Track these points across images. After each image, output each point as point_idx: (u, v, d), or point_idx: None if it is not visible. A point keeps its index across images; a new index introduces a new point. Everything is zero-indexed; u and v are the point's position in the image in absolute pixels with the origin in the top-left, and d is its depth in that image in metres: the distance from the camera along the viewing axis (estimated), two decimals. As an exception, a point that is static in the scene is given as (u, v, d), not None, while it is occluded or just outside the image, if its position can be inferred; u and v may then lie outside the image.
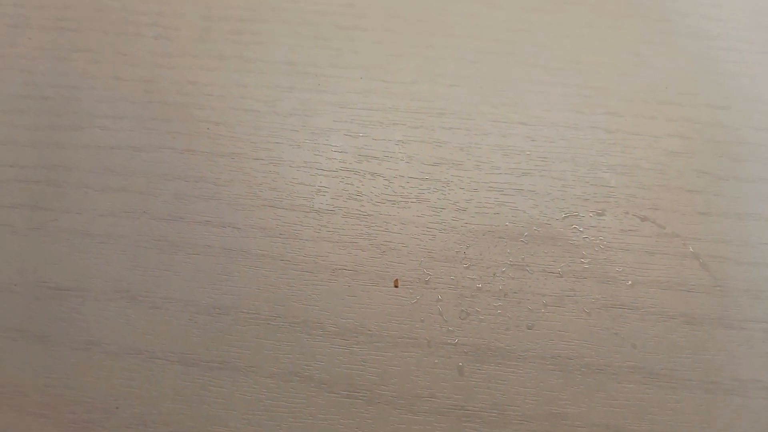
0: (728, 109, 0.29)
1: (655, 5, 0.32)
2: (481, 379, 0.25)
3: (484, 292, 0.27)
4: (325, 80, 0.30)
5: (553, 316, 0.26)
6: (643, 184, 0.28)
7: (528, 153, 0.29)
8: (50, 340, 0.26)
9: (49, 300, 0.27)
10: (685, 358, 0.26)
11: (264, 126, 0.29)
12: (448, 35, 0.31)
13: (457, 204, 0.28)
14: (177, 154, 0.29)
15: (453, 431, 0.25)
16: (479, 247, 0.27)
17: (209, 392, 0.25)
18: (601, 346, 0.26)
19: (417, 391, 0.25)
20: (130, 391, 0.25)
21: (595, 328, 0.26)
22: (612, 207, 0.28)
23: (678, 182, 0.28)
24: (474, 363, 0.26)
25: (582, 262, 0.27)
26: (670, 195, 0.28)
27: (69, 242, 0.27)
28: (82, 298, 0.27)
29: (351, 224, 0.27)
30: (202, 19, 0.32)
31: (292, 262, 0.27)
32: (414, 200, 0.28)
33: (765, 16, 0.32)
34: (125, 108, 0.30)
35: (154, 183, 0.28)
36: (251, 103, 0.29)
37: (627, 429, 0.25)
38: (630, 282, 0.27)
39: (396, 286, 0.27)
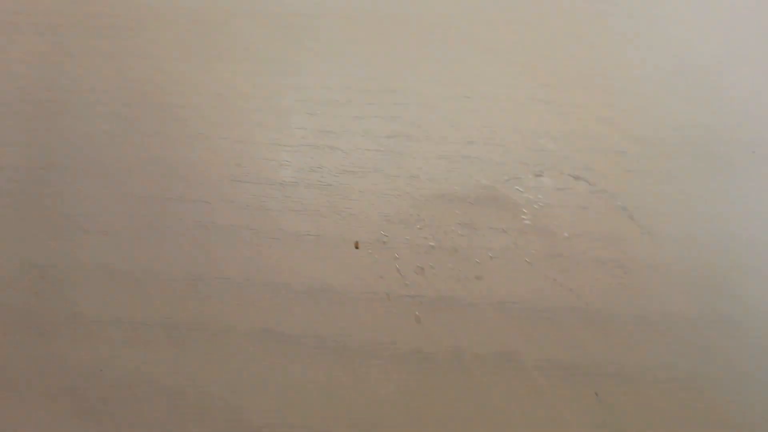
0: (651, 79, 0.32)
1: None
2: (436, 325, 0.28)
3: (437, 249, 0.29)
4: (285, 65, 0.33)
5: (499, 267, 0.29)
6: (576, 148, 0.31)
7: (473, 124, 0.31)
8: (36, 313, 0.28)
9: (34, 277, 0.29)
10: (616, 297, 0.29)
11: (228, 108, 0.31)
12: (399, 21, 0.34)
13: (410, 172, 0.30)
14: (148, 137, 0.31)
15: (413, 373, 0.27)
16: (431, 210, 0.30)
17: (189, 351, 0.28)
18: (542, 292, 0.29)
19: (379, 340, 0.28)
20: (114, 355, 0.28)
21: (537, 275, 0.29)
22: (549, 169, 0.31)
23: (607, 145, 0.31)
24: (430, 312, 0.28)
25: (523, 219, 0.30)
26: (600, 156, 0.31)
27: (48, 222, 0.29)
28: (64, 274, 0.29)
29: (313, 194, 0.30)
30: (168, 12, 0.34)
31: (259, 231, 0.29)
32: (370, 170, 0.30)
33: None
34: (97, 97, 0.32)
35: (129, 165, 0.30)
36: (217, 87, 0.32)
37: (568, 361, 0.28)
38: (566, 234, 0.30)
39: (357, 248, 0.29)
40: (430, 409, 0.27)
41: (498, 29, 0.34)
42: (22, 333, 0.28)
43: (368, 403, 0.27)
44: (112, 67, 0.32)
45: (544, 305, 0.28)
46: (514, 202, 0.30)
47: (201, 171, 0.30)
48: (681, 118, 0.32)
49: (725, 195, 0.30)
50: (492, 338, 0.28)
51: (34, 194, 0.30)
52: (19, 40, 0.33)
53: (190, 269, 0.29)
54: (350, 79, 0.32)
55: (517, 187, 0.30)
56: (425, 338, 0.28)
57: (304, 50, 0.33)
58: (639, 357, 0.28)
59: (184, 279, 0.28)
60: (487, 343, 0.28)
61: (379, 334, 0.28)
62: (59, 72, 0.32)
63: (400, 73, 0.33)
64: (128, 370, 0.27)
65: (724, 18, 0.33)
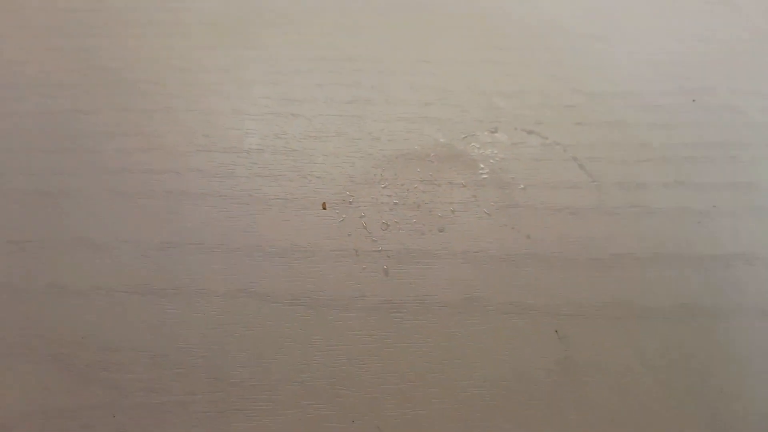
0: (603, 38, 0.34)
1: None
2: (403, 277, 0.30)
3: (401, 205, 0.31)
4: (247, 37, 0.34)
5: (460, 219, 0.31)
6: (528, 105, 0.33)
7: (430, 87, 0.33)
8: (16, 286, 0.29)
9: (13, 253, 0.29)
10: (571, 242, 0.30)
11: (193, 82, 0.32)
12: (352, -9, 0.35)
13: (372, 134, 0.32)
14: (116, 113, 0.32)
15: (383, 322, 0.29)
16: (393, 169, 0.31)
17: (167, 316, 0.29)
18: (501, 240, 0.30)
19: (349, 293, 0.29)
20: (95, 324, 0.29)
21: (496, 225, 0.31)
22: (503, 125, 0.32)
23: (557, 100, 0.33)
24: (397, 264, 0.30)
25: (481, 173, 0.31)
26: (551, 111, 0.33)
27: (26, 201, 0.30)
28: (46, 248, 0.30)
29: (279, 160, 0.31)
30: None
31: (229, 198, 0.31)
32: (333, 134, 0.32)
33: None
34: (66, 76, 0.32)
35: (99, 141, 0.31)
36: (180, 62, 0.33)
37: (528, 303, 0.30)
38: (522, 186, 0.31)
39: (324, 209, 0.31)
40: (401, 355, 0.29)
41: (450, -5, 0.35)
42: (4, 305, 0.29)
43: (342, 354, 0.29)
44: (75, 45, 0.33)
45: (504, 253, 0.30)
46: (471, 157, 0.32)
47: (169, 143, 0.31)
48: (624, 72, 0.34)
49: (667, 142, 0.32)
50: (456, 286, 0.30)
51: (6, 173, 0.31)
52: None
53: (163, 237, 0.30)
54: (311, 48, 0.33)
55: (474, 144, 0.32)
56: (393, 290, 0.29)
57: (264, 22, 0.34)
58: (594, 296, 0.30)
59: (158, 247, 0.30)
60: (452, 290, 0.30)
61: (350, 288, 0.29)
62: (21, 48, 0.33)
63: (359, 41, 0.34)
64: (110, 336, 0.28)
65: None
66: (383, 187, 0.31)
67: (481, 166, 0.31)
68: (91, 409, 0.28)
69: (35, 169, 0.31)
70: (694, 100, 0.33)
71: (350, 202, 0.31)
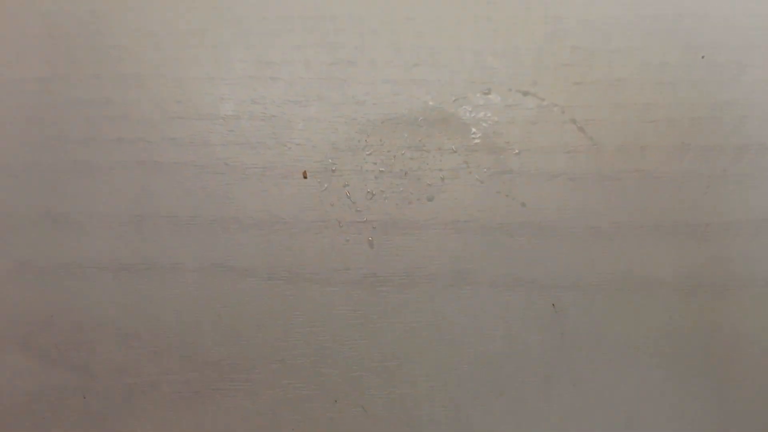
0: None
1: None
2: (389, 249, 0.28)
3: (387, 173, 0.29)
4: (220, -2, 0.31)
5: (451, 187, 0.29)
6: (522, 64, 0.30)
7: (417, 46, 0.31)
8: (-21, 263, 0.27)
9: (-26, 227, 0.28)
10: (569, 210, 0.29)
11: (164, 46, 0.30)
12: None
13: (356, 98, 0.30)
14: (83, 81, 0.30)
15: (368, 296, 0.27)
16: (379, 135, 0.29)
17: (140, 292, 0.27)
18: (494, 209, 0.28)
19: (332, 266, 0.28)
20: (64, 303, 0.27)
21: (488, 193, 0.29)
22: (496, 86, 0.30)
23: (554, 59, 0.30)
24: (382, 236, 0.28)
25: (473, 138, 0.29)
26: (547, 71, 0.30)
27: (-13, 173, 0.29)
28: (8, 225, 0.28)
29: (256, 126, 0.29)
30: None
31: (204, 167, 0.29)
32: (314, 99, 0.30)
33: None
34: (29, 43, 0.30)
35: (65, 110, 0.29)
36: (149, 26, 0.31)
37: (522, 275, 0.28)
38: (517, 151, 0.29)
39: (305, 178, 0.29)
40: (386, 331, 0.27)
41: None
42: (-36, 283, 0.27)
43: (324, 331, 0.27)
44: (37, 11, 0.31)
45: (497, 222, 0.28)
46: (462, 121, 0.30)
47: (140, 111, 0.29)
48: (627, 27, 0.31)
49: (673, 102, 0.30)
50: (446, 258, 0.28)
51: (-33, 145, 0.29)
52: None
53: (134, 210, 0.28)
54: (288, 7, 0.31)
55: (465, 107, 0.30)
56: (379, 262, 0.28)
57: (239, -19, 0.32)
58: (593, 267, 0.28)
59: (129, 220, 0.28)
60: (441, 263, 0.28)
61: (332, 261, 0.28)
62: (-18, 16, 0.31)
63: None
64: (79, 315, 0.27)
65: None
66: (368, 154, 0.29)
67: (473, 130, 0.29)
68: (60, 391, 0.26)
69: (-4, 139, 0.29)
70: (703, 57, 0.30)
71: (333, 171, 0.29)
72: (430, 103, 0.30)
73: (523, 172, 0.29)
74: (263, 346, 0.27)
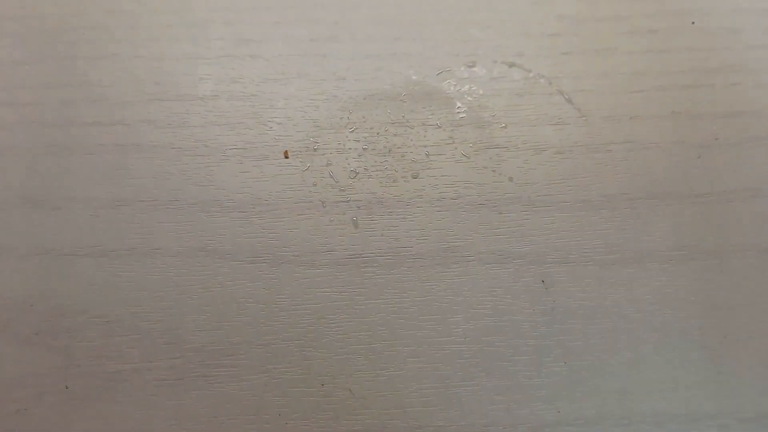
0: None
1: None
2: (374, 228, 0.27)
3: (370, 151, 0.28)
4: (196, -25, 0.31)
5: (436, 163, 0.28)
6: (507, 35, 0.30)
7: (398, 19, 0.30)
8: (-44, 252, 0.27)
9: (-51, 215, 0.27)
10: (558, 183, 0.28)
11: (140, 25, 0.30)
12: None
13: (337, 74, 0.29)
14: (58, 62, 0.29)
15: (353, 276, 0.27)
16: (362, 112, 0.29)
17: (120, 278, 0.27)
18: (481, 184, 0.28)
19: (316, 248, 0.27)
20: (43, 289, 0.26)
21: (475, 168, 0.28)
22: (481, 58, 0.29)
23: (540, 29, 0.30)
24: (367, 215, 0.27)
25: (458, 112, 0.29)
26: (533, 41, 0.29)
27: (-39, 160, 0.28)
28: (-18, 210, 0.27)
29: (236, 106, 0.28)
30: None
31: (183, 149, 0.28)
32: (295, 76, 0.29)
33: None
34: (2, 26, 0.30)
35: (40, 93, 0.29)
36: (125, 4, 0.30)
37: (511, 251, 0.27)
38: (503, 124, 0.29)
39: (286, 157, 0.28)
40: (372, 312, 0.27)
41: None
42: (-60, 273, 0.27)
43: (309, 313, 0.26)
44: (9, -9, 0.30)
45: (484, 198, 0.28)
46: (447, 95, 0.29)
47: (117, 93, 0.29)
48: (617, -4, 0.30)
49: (663, 69, 0.29)
50: (432, 235, 0.27)
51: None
52: None
53: (113, 194, 0.27)
54: (266, -17, 0.30)
55: (449, 81, 0.29)
56: (364, 242, 0.27)
57: (215, -43, 0.31)
58: (583, 241, 0.27)
59: (108, 205, 0.27)
60: (428, 241, 0.27)
61: (316, 242, 0.27)
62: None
63: (321, -26, 0.31)
64: (60, 302, 0.26)
65: None
66: (350, 132, 0.28)
67: (458, 104, 0.29)
68: (42, 378, 0.26)
69: (-31, 125, 0.28)
70: (693, 23, 0.30)
71: (315, 149, 0.28)
72: (413, 77, 0.29)
73: (510, 146, 0.28)
74: (247, 330, 0.26)
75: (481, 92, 0.29)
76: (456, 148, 0.28)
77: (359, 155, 0.28)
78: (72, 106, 0.29)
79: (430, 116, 0.29)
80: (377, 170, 0.28)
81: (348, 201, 0.28)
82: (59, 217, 0.27)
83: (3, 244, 0.27)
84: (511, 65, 0.29)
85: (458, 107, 0.29)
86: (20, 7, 0.30)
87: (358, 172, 0.28)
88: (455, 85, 0.29)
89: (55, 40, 0.30)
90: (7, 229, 0.27)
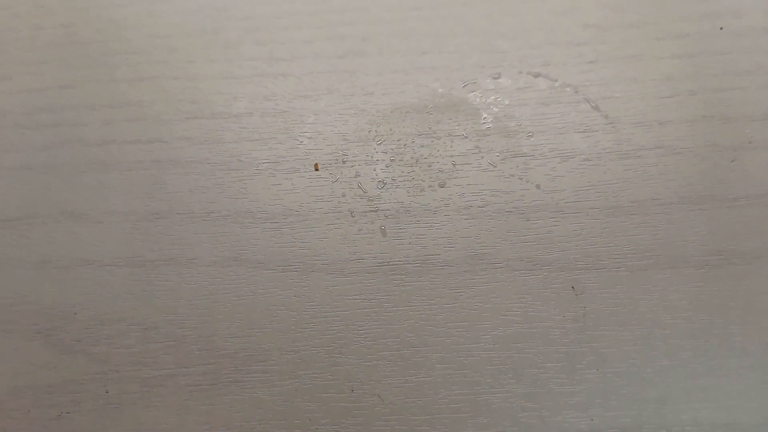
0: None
1: None
2: (402, 237, 0.28)
3: (398, 162, 0.29)
4: None
5: (462, 172, 0.28)
6: (533, 45, 0.30)
7: (425, 34, 0.31)
8: (5, 264, 0.28)
9: (1, 230, 0.29)
10: (586, 190, 0.28)
11: (177, 48, 0.31)
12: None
13: (365, 89, 0.30)
14: (101, 85, 0.31)
15: (382, 284, 0.27)
16: (389, 124, 0.29)
17: (157, 287, 0.28)
18: (508, 192, 0.28)
19: (345, 256, 0.27)
20: (85, 298, 0.28)
21: (501, 176, 0.28)
22: (507, 69, 0.30)
23: (565, 38, 0.30)
24: (395, 224, 0.28)
25: (484, 123, 0.29)
26: (559, 50, 0.30)
27: (12, 177, 0.30)
28: (31, 224, 0.29)
29: (268, 122, 0.30)
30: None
31: (218, 164, 0.29)
32: (324, 92, 0.30)
33: None
34: (49, 52, 0.32)
35: (84, 114, 0.30)
36: (162, 29, 0.31)
37: (539, 258, 0.27)
38: (530, 133, 0.29)
39: (316, 170, 0.29)
40: (401, 319, 0.27)
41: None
42: (-9, 283, 0.28)
43: (339, 320, 0.27)
44: (55, 21, 0.32)
45: (511, 205, 0.28)
46: (473, 107, 0.29)
47: (155, 112, 0.30)
48: (638, 0, 0.30)
49: (695, 73, 0.29)
50: (460, 243, 0.27)
51: (-5, 153, 0.30)
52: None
53: (150, 207, 0.29)
54: (296, 4, 0.31)
55: (475, 92, 0.29)
56: (392, 250, 0.27)
57: (249, -17, 0.32)
58: (613, 246, 0.27)
59: (146, 218, 0.28)
60: (456, 248, 0.27)
61: (345, 251, 0.28)
62: (2, 27, 0.32)
63: (349, -5, 0.32)
64: (99, 310, 0.27)
65: None
66: (378, 144, 0.29)
67: (484, 115, 0.29)
68: (82, 384, 0.27)
69: (20, 146, 0.30)
70: (721, 28, 0.29)
71: (344, 162, 0.29)
72: (440, 90, 0.30)
73: (537, 154, 0.28)
74: (278, 337, 0.27)
75: (506, 102, 0.29)
76: (482, 158, 0.28)
77: (387, 166, 0.29)
78: (113, 125, 0.30)
79: (456, 127, 0.29)
80: (404, 180, 0.28)
81: (376, 211, 0.28)
82: (100, 230, 0.28)
83: (47, 256, 0.28)
84: (537, 75, 0.29)
85: (484, 118, 0.29)
86: (65, 34, 0.32)
87: (385, 183, 0.28)
88: (481, 96, 0.29)
89: (97, 64, 0.31)
90: (51, 242, 0.28)
